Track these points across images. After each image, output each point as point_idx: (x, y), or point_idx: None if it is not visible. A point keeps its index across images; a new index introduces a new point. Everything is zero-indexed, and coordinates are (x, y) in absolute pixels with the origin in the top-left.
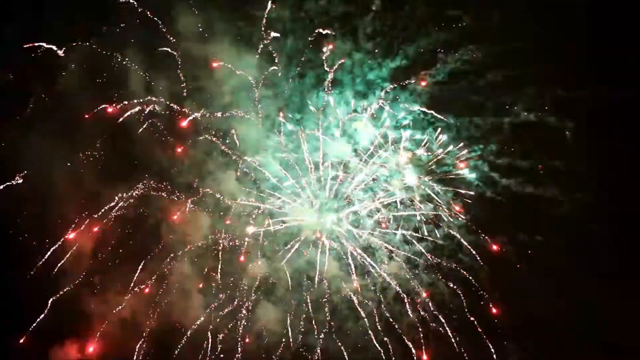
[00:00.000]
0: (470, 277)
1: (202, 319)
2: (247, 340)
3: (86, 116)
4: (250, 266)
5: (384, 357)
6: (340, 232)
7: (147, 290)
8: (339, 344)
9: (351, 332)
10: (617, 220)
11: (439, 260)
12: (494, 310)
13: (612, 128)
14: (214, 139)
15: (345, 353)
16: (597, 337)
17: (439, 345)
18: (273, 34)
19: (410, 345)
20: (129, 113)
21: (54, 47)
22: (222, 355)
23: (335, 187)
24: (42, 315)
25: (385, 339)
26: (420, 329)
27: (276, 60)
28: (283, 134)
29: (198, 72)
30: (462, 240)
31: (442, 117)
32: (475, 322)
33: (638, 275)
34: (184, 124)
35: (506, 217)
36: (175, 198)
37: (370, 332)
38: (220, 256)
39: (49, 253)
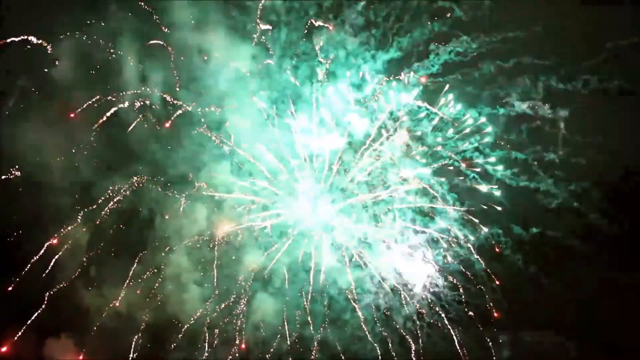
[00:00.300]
0: (467, 272)
1: (199, 312)
2: (243, 338)
3: (76, 111)
4: (247, 259)
5: (379, 348)
6: (336, 225)
7: (142, 284)
8: (336, 335)
9: (348, 324)
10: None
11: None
12: (495, 314)
13: (607, 119)
14: (207, 132)
15: (339, 345)
16: (597, 337)
17: (435, 336)
18: (264, 27)
19: (409, 339)
20: (115, 108)
21: (43, 42)
22: (219, 348)
23: (330, 179)
24: (39, 311)
25: (384, 333)
26: (417, 321)
27: (270, 52)
28: (277, 127)
29: (191, 63)
30: (457, 232)
31: (436, 111)
32: (471, 315)
33: (638, 275)
34: (176, 116)
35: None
36: (170, 193)
37: (367, 324)
38: (216, 249)
39: (43, 248)
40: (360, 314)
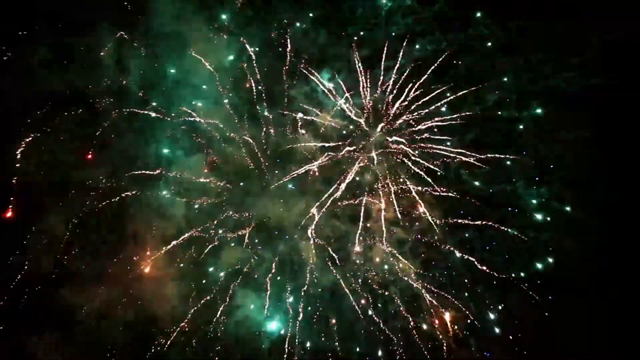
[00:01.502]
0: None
1: (179, 310)
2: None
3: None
4: (225, 256)
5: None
6: (313, 224)
7: (120, 282)
8: (318, 333)
9: (331, 322)
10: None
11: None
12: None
13: (580, 118)
14: (179, 129)
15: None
16: (597, 337)
17: (418, 335)
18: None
19: (393, 337)
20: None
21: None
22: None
23: (305, 182)
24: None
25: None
26: (401, 320)
27: (246, 48)
28: (248, 126)
29: (168, 59)
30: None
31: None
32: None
33: (637, 273)
34: (147, 112)
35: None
36: (139, 192)
37: (350, 321)
38: (193, 247)
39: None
40: (345, 310)
